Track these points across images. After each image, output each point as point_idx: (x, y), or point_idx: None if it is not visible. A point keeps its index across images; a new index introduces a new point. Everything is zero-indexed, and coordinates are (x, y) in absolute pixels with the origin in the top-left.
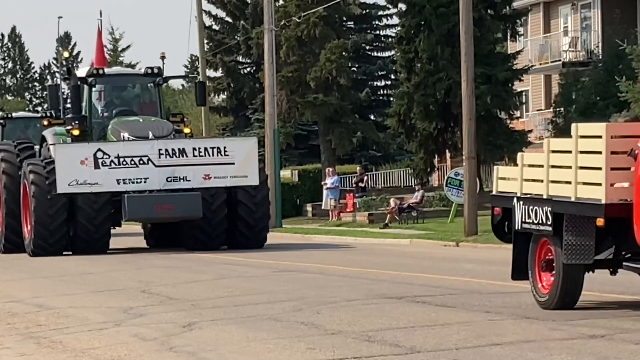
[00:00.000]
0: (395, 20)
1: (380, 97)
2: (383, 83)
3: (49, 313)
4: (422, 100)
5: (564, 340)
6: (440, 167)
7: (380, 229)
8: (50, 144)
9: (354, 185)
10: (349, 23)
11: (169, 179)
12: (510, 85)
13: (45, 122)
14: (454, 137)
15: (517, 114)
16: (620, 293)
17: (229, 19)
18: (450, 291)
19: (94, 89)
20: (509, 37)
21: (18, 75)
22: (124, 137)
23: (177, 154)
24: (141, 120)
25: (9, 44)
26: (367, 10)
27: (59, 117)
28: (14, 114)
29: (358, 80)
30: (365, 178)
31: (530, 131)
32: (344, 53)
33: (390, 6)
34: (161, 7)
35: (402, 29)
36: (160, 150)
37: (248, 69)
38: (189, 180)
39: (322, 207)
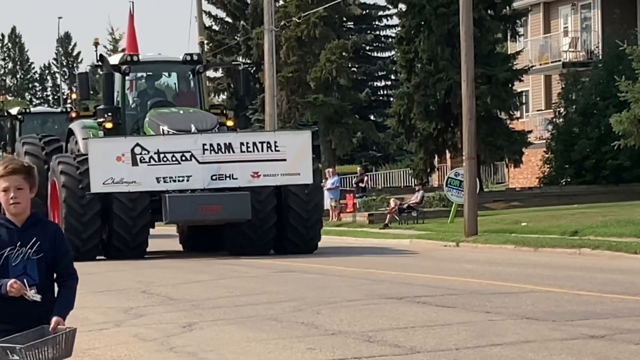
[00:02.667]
0: (395, 20)
1: (380, 97)
2: (383, 83)
3: None
4: (422, 101)
5: (564, 340)
6: (440, 167)
7: (380, 229)
8: (83, 138)
9: (354, 185)
10: (349, 23)
11: (213, 177)
12: (510, 85)
13: (73, 114)
14: (454, 137)
15: (517, 114)
16: (620, 293)
17: (229, 19)
18: (450, 291)
19: (127, 78)
20: (509, 38)
21: (18, 76)
22: (163, 131)
23: (222, 150)
24: (181, 112)
25: (9, 44)
26: (367, 11)
27: (87, 109)
28: (32, 109)
29: (358, 81)
30: (366, 178)
31: (531, 131)
32: (344, 53)
33: (390, 6)
34: (161, 7)
35: (402, 29)
36: (204, 145)
37: (248, 69)
38: (236, 179)
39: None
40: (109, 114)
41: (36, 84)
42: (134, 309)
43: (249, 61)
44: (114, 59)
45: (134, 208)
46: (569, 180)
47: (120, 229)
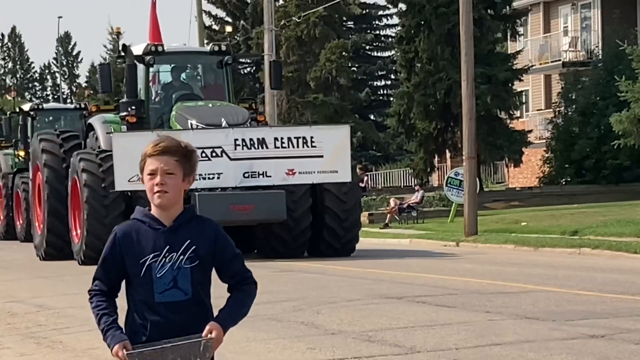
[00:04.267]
0: (395, 20)
1: (380, 97)
2: (383, 83)
3: (49, 313)
4: (422, 100)
5: (564, 340)
6: (440, 167)
7: (381, 229)
8: (107, 133)
9: None
10: (349, 23)
11: (246, 175)
12: (510, 85)
13: (94, 108)
14: (454, 137)
15: (517, 114)
16: (620, 293)
17: (229, 19)
18: (450, 291)
19: (151, 69)
20: (509, 37)
21: (18, 75)
22: (192, 125)
23: (255, 145)
24: (210, 105)
25: (9, 44)
26: (367, 10)
27: (107, 102)
28: (44, 105)
29: (358, 80)
30: (366, 178)
31: (530, 131)
32: (344, 53)
33: (390, 6)
34: (161, 7)
35: (402, 29)
36: (236, 140)
37: (248, 69)
38: (270, 176)
39: None
40: (133, 107)
41: (36, 83)
42: None
43: (248, 61)
44: (137, 49)
45: None
46: (568, 179)
47: None
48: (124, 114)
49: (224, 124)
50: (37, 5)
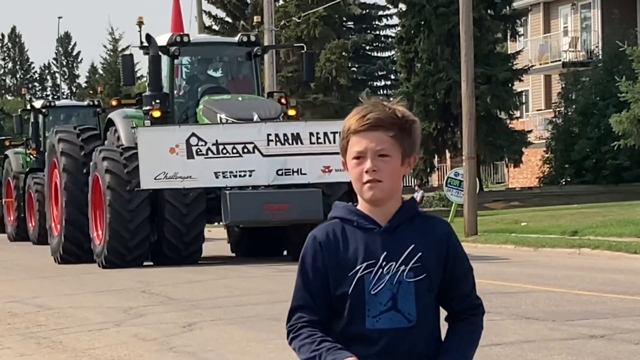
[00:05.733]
0: (395, 20)
1: (380, 97)
2: (383, 83)
3: (49, 313)
4: (422, 100)
5: (564, 340)
6: (440, 167)
7: None
8: (132, 127)
9: None
10: (349, 23)
11: (279, 172)
12: (510, 85)
13: (114, 102)
14: (454, 137)
15: (517, 114)
16: (620, 293)
17: (229, 19)
18: None
19: (176, 61)
20: (509, 37)
21: (18, 75)
22: (221, 120)
23: (289, 141)
24: (240, 99)
25: (9, 44)
26: (367, 10)
27: (128, 96)
28: (57, 103)
29: (358, 80)
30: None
31: (530, 131)
32: (344, 53)
33: (390, 6)
34: (161, 6)
35: (402, 29)
36: (269, 135)
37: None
38: (305, 174)
39: None
40: (157, 101)
41: (36, 83)
42: (133, 309)
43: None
44: (162, 40)
45: (188, 197)
46: (568, 180)
47: (172, 223)
48: (148, 107)
49: (255, 118)
50: (37, 5)
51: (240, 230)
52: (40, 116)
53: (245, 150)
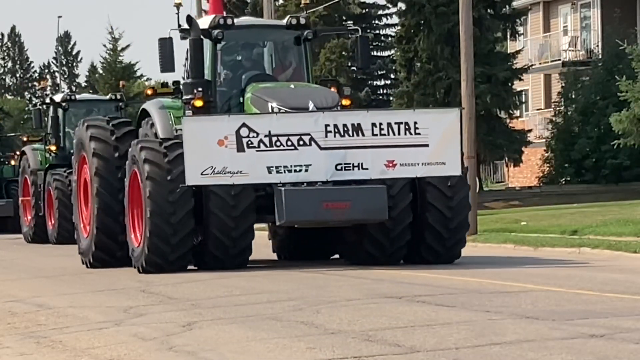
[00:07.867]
0: (394, 19)
1: (380, 97)
2: (383, 82)
3: (49, 313)
4: (421, 100)
5: (564, 340)
6: None
7: None
8: (176, 118)
9: None
10: (348, 22)
11: (338, 167)
12: (510, 84)
13: (149, 92)
14: None
15: (517, 113)
16: (620, 293)
17: None
18: (450, 291)
19: (218, 45)
20: (508, 37)
21: (18, 75)
22: (272, 109)
23: (350, 132)
24: (292, 86)
25: (9, 43)
26: (367, 10)
27: (165, 85)
28: (77, 97)
29: (358, 80)
30: None
31: (530, 131)
32: (343, 53)
33: (389, 5)
34: (161, 6)
35: (402, 29)
36: (327, 126)
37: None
38: (366, 169)
39: None
40: (199, 89)
41: (36, 83)
42: (133, 308)
43: None
44: (203, 23)
45: (238, 194)
46: (568, 179)
47: (219, 222)
48: (189, 97)
49: (311, 107)
50: (37, 5)
51: (287, 231)
52: (60, 110)
53: (301, 142)
